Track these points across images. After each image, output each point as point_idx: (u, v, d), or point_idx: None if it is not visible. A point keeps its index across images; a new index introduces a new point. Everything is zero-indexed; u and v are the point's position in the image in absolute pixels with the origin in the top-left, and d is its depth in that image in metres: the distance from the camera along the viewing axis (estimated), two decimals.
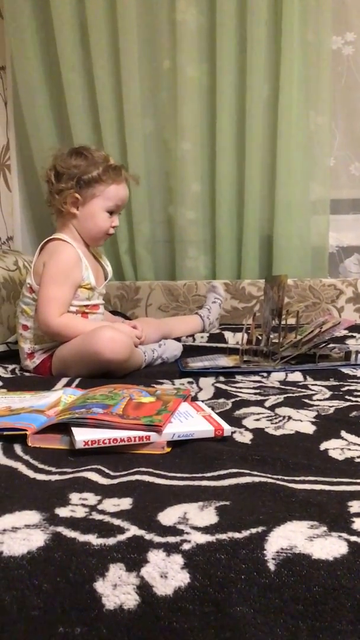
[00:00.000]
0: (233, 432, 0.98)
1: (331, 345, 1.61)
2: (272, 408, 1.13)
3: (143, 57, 2.15)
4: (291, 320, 1.66)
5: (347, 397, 1.20)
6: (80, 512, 0.70)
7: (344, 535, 0.64)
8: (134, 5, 2.08)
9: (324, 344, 1.56)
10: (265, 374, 1.41)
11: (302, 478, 0.80)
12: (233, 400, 1.19)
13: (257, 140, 2.10)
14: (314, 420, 1.05)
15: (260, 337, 1.57)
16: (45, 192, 1.66)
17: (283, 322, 1.51)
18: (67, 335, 1.48)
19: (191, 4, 2.07)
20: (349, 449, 0.91)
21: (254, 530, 0.65)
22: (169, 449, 0.92)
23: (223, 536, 0.65)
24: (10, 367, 1.58)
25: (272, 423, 1.05)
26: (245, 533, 0.65)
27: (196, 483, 0.79)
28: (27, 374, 1.55)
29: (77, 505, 0.72)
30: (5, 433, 0.96)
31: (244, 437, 0.98)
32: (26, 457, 0.89)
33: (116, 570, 0.62)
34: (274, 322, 1.52)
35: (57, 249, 1.55)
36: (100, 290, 1.63)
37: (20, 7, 2.15)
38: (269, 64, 2.09)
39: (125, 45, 2.10)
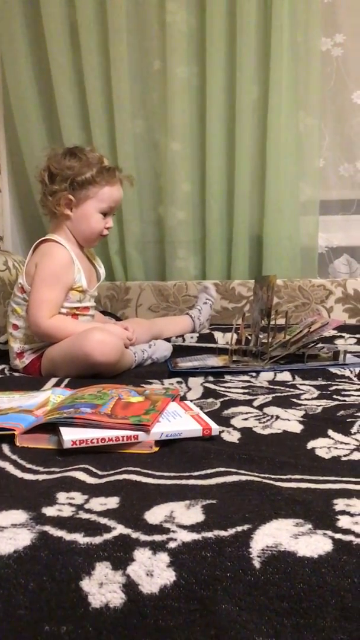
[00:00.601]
0: (221, 432, 0.99)
1: (320, 345, 1.62)
2: (260, 407, 1.14)
3: (133, 58, 2.15)
4: (280, 321, 1.66)
5: (334, 396, 1.21)
6: (67, 511, 0.71)
7: (329, 532, 0.65)
8: (124, 6, 2.09)
9: (312, 344, 1.56)
10: (254, 374, 1.42)
11: (288, 476, 0.80)
12: (222, 399, 1.19)
13: (246, 141, 2.11)
14: (301, 419, 1.06)
15: (249, 337, 1.57)
16: (38, 192, 1.65)
17: (272, 322, 1.52)
18: (56, 337, 1.48)
19: (181, 6, 2.07)
20: (336, 448, 0.92)
21: (239, 529, 0.66)
22: (157, 448, 0.92)
23: (209, 534, 0.65)
24: (0, 367, 1.58)
25: (260, 422, 1.05)
26: (231, 531, 0.65)
27: (183, 482, 0.79)
28: (16, 374, 1.54)
29: (64, 505, 0.72)
30: None
31: (232, 437, 0.98)
32: (14, 457, 0.89)
33: (102, 569, 0.62)
34: (263, 322, 1.52)
35: (49, 251, 1.55)
36: (92, 292, 1.63)
37: (10, 8, 2.15)
38: (258, 65, 2.10)
39: (115, 45, 2.10)
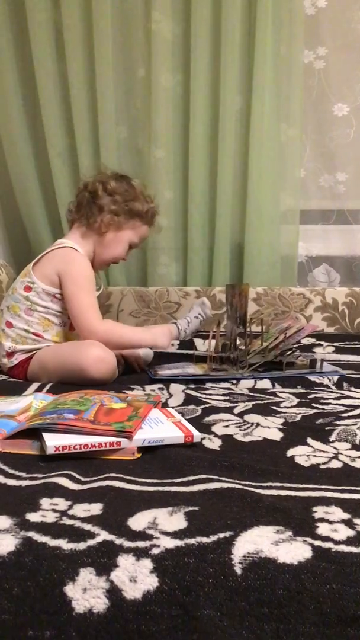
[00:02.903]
0: (202, 439, 1.00)
1: (297, 353, 1.64)
2: (240, 415, 1.15)
3: (118, 65, 2.17)
4: (256, 328, 1.68)
5: (313, 404, 1.23)
6: (51, 517, 0.71)
7: (309, 539, 0.66)
8: (110, 13, 2.10)
9: (290, 351, 1.58)
10: (234, 381, 1.43)
11: (269, 484, 0.82)
12: (203, 406, 1.21)
13: (229, 150, 2.13)
14: (281, 427, 1.07)
15: (227, 344, 1.59)
16: (73, 196, 1.67)
17: (248, 329, 1.53)
18: (114, 342, 1.48)
19: (166, 15, 2.09)
20: (315, 456, 0.93)
21: (221, 535, 0.67)
22: (139, 455, 0.93)
23: (191, 541, 0.66)
24: None
25: (240, 430, 1.06)
26: (213, 538, 0.67)
27: (166, 489, 0.80)
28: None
29: (47, 511, 0.73)
30: None
31: (213, 444, 0.99)
32: None
33: (86, 575, 0.63)
34: (239, 329, 1.54)
35: (73, 257, 1.54)
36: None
37: None
38: (241, 76, 2.12)
39: (100, 52, 2.11)
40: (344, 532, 0.68)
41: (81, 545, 0.65)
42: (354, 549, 0.65)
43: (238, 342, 1.55)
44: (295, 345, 1.59)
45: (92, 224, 1.59)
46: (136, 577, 0.62)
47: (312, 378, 1.45)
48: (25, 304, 1.52)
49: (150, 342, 1.54)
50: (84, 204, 1.60)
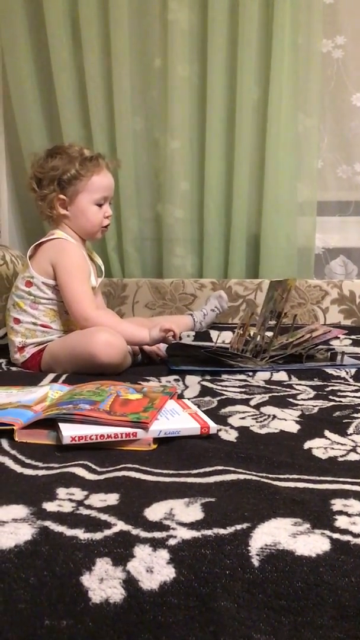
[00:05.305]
0: (219, 430, 0.99)
1: (319, 347, 1.63)
2: (257, 407, 1.14)
3: (134, 55, 2.16)
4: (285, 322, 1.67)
5: (330, 397, 1.22)
6: (68, 507, 0.71)
7: (327, 532, 0.66)
8: (126, 2, 2.09)
9: (312, 347, 1.57)
10: (250, 373, 1.42)
11: (286, 476, 0.81)
12: (219, 398, 1.20)
13: (246, 140, 2.12)
14: (298, 419, 1.07)
15: (250, 337, 1.57)
16: (33, 201, 1.65)
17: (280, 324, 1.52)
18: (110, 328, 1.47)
19: (183, 4, 2.08)
20: (332, 448, 0.92)
21: (238, 527, 0.66)
22: (155, 446, 0.92)
23: (208, 532, 0.66)
24: None
25: (257, 422, 1.06)
26: (230, 529, 0.66)
27: (182, 479, 0.80)
28: (14, 368, 1.54)
29: (64, 500, 0.73)
30: None
31: (230, 435, 0.99)
32: (13, 452, 0.89)
33: (103, 565, 0.62)
34: (272, 322, 1.52)
35: (64, 247, 1.55)
36: (97, 287, 1.63)
37: (12, 4, 2.14)
38: (259, 65, 2.11)
39: (117, 43, 2.10)
40: None
41: (98, 535, 0.65)
42: None
43: (266, 334, 1.53)
44: (317, 343, 1.58)
45: (52, 215, 1.58)
46: (153, 568, 0.62)
47: (329, 371, 1.44)
48: (29, 299, 1.53)
49: (145, 339, 1.51)
50: (36, 203, 1.61)
